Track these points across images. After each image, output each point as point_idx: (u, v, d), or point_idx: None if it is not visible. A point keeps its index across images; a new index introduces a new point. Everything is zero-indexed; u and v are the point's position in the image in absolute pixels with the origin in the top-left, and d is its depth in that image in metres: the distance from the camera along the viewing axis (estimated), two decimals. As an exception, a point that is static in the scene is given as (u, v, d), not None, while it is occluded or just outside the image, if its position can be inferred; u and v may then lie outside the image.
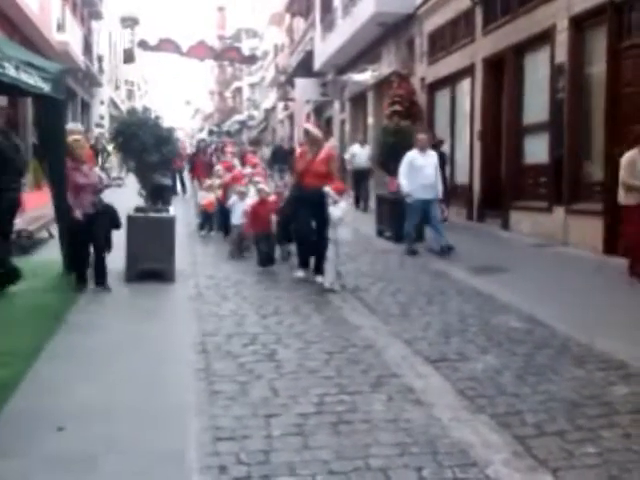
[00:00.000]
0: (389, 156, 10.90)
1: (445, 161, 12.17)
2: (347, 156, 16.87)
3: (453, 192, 12.86)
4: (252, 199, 9.10)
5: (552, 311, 6.26)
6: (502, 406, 4.18)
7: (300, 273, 7.80)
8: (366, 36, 18.42)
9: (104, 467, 3.42)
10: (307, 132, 8.02)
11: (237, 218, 9.39)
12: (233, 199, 9.66)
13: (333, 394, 4.34)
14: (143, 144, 8.83)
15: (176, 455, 3.55)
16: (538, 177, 10.56)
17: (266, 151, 18.72)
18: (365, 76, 19.95)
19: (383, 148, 10.99)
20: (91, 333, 5.65)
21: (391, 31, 17.35)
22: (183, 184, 18.97)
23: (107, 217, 7.15)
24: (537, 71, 10.74)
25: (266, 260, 8.33)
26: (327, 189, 7.20)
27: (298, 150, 8.75)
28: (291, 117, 36.29)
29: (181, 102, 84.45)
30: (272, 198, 8.75)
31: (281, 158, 19.45)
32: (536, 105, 10.73)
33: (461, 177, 13.55)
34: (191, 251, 10.05)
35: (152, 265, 7.46)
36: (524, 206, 10.80)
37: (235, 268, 8.78)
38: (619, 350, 5.15)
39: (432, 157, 9.61)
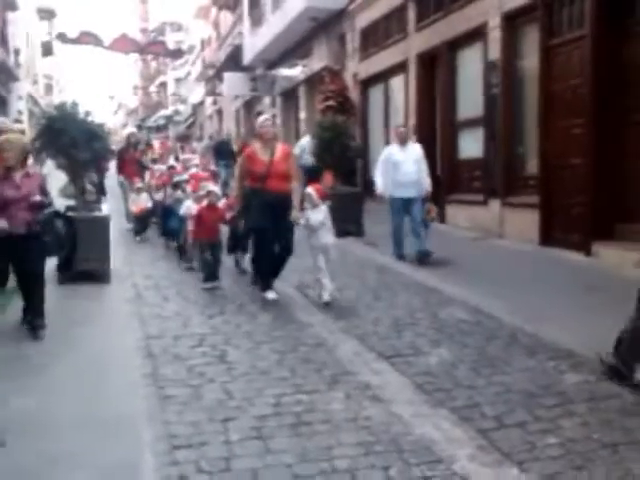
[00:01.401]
0: (325, 151, 10.81)
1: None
2: (296, 151, 13.21)
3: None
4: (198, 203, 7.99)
5: (497, 302, 6.31)
6: (461, 399, 4.16)
7: (271, 295, 6.62)
8: (297, 31, 18.30)
9: (49, 485, 3.19)
10: (262, 127, 6.74)
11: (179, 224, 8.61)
12: (187, 205, 8.14)
13: (289, 394, 4.22)
14: (73, 140, 8.43)
15: (130, 467, 3.35)
16: (473, 171, 10.71)
17: (197, 146, 17.59)
18: (295, 71, 19.83)
19: (320, 143, 10.89)
20: (23, 341, 5.32)
21: (322, 26, 17.28)
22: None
23: (42, 242, 5.40)
24: (470, 67, 10.87)
25: (210, 274, 7.20)
26: (309, 191, 6.48)
27: (246, 149, 7.42)
28: (220, 112, 35.80)
29: (103, 97, 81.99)
30: (222, 203, 7.65)
31: (226, 153, 17.85)
32: (470, 101, 10.87)
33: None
34: (126, 251, 9.69)
35: (86, 266, 7.12)
36: (460, 200, 10.94)
37: (173, 266, 8.50)
38: (565, 339, 5.23)
39: (413, 151, 8.58)
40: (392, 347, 5.14)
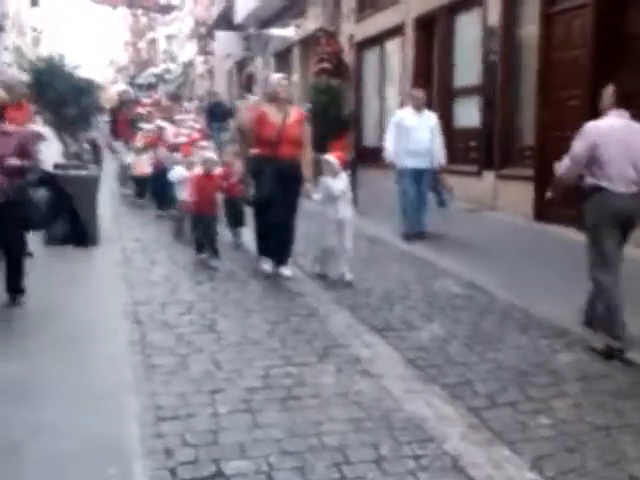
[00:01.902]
0: (320, 115, 10.61)
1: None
2: None
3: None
4: (193, 170, 7.20)
5: (490, 277, 6.24)
6: (452, 376, 4.11)
7: (267, 266, 6.22)
8: (292, -10, 17.86)
9: (30, 455, 3.12)
10: (279, 86, 6.09)
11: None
12: (178, 170, 7.63)
13: (279, 366, 4.14)
14: (60, 95, 8.21)
15: (114, 439, 3.27)
16: (468, 141, 10.54)
17: (189, 107, 16.77)
18: (289, 32, 19.41)
19: (315, 106, 10.67)
20: (4, 306, 5.15)
21: (318, -15, 16.86)
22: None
23: (21, 211, 5.00)
24: (469, 33, 10.63)
25: (203, 248, 6.62)
26: (328, 158, 6.02)
27: (252, 111, 6.97)
28: (211, 72, 35.18)
29: (93, 52, 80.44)
30: (219, 171, 6.93)
31: (221, 115, 16.53)
32: (467, 67, 10.66)
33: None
34: (115, 213, 9.52)
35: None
36: (454, 170, 10.76)
37: (164, 230, 8.35)
38: (559, 316, 5.17)
39: (428, 118, 7.82)
40: (384, 320, 5.07)
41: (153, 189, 9.30)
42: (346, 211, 6.01)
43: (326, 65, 14.00)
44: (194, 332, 4.68)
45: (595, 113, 7.45)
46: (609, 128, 4.43)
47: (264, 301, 5.46)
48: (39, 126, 6.42)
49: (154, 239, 7.82)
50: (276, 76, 6.33)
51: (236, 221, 7.42)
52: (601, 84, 7.10)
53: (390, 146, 7.79)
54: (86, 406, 3.56)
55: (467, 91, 10.73)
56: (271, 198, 5.84)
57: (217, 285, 5.88)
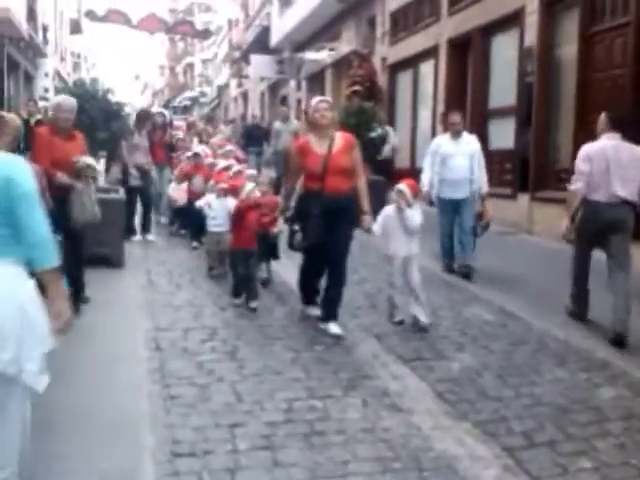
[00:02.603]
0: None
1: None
2: None
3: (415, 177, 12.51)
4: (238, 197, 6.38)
5: (524, 304, 6.01)
6: (485, 412, 3.87)
7: (314, 310, 5.51)
8: (325, 13, 17.91)
9: (42, 491, 2.96)
10: (316, 111, 5.20)
11: (217, 222, 6.87)
12: (208, 199, 7.05)
13: (302, 399, 3.95)
14: (91, 119, 8.23)
15: (127, 475, 3.12)
16: (503, 163, 10.31)
17: (225, 130, 16.28)
18: (322, 55, 19.46)
19: (345, 129, 10.54)
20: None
21: (352, 9, 16.88)
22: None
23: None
24: (504, 53, 10.46)
25: (243, 288, 5.91)
26: (401, 186, 5.33)
27: (296, 141, 6.06)
28: (245, 94, 35.51)
29: (130, 76, 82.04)
30: (266, 200, 6.29)
31: (257, 139, 15.97)
32: (503, 88, 10.47)
33: (422, 161, 13.24)
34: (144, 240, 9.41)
35: (99, 250, 6.89)
36: (489, 192, 10.55)
37: (190, 254, 8.25)
38: (598, 347, 4.92)
39: (468, 144, 7.07)
40: (412, 349, 4.85)
41: (188, 219, 8.78)
42: (415, 246, 5.40)
43: (358, 87, 13.93)
44: (215, 360, 4.51)
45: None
46: (600, 149, 5.17)
47: (288, 328, 5.28)
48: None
49: (179, 263, 7.69)
50: (315, 100, 5.39)
51: (267, 255, 6.60)
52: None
53: (425, 176, 7.22)
54: (100, 438, 3.41)
55: (502, 112, 10.53)
56: (318, 244, 5.13)
57: (241, 311, 5.72)
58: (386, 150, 11.24)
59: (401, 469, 3.23)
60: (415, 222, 5.26)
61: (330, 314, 5.24)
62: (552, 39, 9.23)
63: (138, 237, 8.85)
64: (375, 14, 15.74)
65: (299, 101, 23.77)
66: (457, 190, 7.01)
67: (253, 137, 16.22)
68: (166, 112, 13.01)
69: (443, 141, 7.25)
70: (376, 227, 5.35)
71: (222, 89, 42.17)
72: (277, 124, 14.04)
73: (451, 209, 7.08)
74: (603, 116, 5.33)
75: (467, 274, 6.94)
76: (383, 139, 11.27)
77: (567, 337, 5.15)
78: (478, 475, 3.20)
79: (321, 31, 19.73)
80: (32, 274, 2.58)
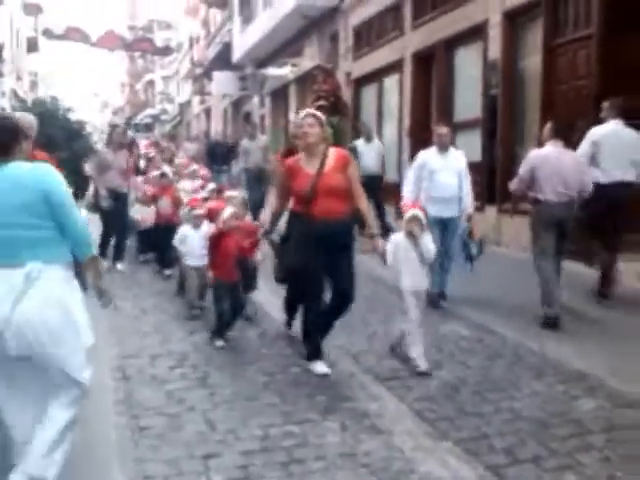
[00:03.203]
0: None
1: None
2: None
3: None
4: (210, 226, 6.02)
5: (497, 317, 5.96)
6: (466, 429, 3.78)
7: (321, 367, 4.69)
8: (287, 29, 17.88)
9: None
10: (299, 126, 4.91)
11: (195, 256, 6.19)
12: (184, 232, 6.31)
13: (279, 425, 3.80)
14: (50, 138, 8.00)
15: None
16: (471, 175, 10.30)
17: (190, 147, 15.84)
18: (285, 71, 19.42)
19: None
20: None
21: (314, 24, 16.88)
22: None
23: None
24: (469, 66, 10.52)
25: (227, 325, 5.32)
26: (415, 212, 4.79)
27: (285, 160, 5.30)
28: (208, 111, 35.30)
29: (89, 94, 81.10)
30: (243, 224, 5.68)
31: (221, 156, 15.37)
32: (468, 101, 10.51)
33: (389, 174, 13.23)
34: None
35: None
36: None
37: (154, 277, 8.03)
38: (573, 359, 4.88)
39: (455, 159, 6.55)
40: (389, 368, 4.74)
41: (156, 243, 8.22)
42: (426, 279, 4.96)
43: (323, 102, 13.87)
44: (185, 388, 4.34)
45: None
46: (545, 155, 5.89)
47: (261, 350, 5.13)
48: None
49: (145, 286, 7.49)
50: (298, 117, 4.90)
51: (247, 285, 5.89)
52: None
53: (409, 192, 6.49)
54: (63, 476, 3.21)
55: (468, 125, 10.56)
56: (301, 268, 4.60)
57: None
58: (369, 165, 10.31)
59: (385, 497, 3.11)
60: (432, 250, 4.77)
61: (318, 351, 4.73)
62: (515, 51, 9.30)
63: (106, 264, 8.02)
64: (338, 29, 15.76)
65: (263, 117, 23.68)
66: (446, 208, 6.42)
67: (217, 155, 15.72)
68: (130, 132, 12.58)
69: (430, 156, 6.60)
70: (390, 259, 4.75)
71: (184, 106, 41.91)
72: (245, 142, 13.67)
73: (438, 228, 6.31)
74: (548, 126, 6.10)
75: (438, 298, 6.48)
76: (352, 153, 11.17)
77: (542, 349, 5.11)
78: (464, 498, 3.10)
79: (283, 47, 19.70)
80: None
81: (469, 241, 6.53)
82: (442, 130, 6.62)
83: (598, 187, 6.05)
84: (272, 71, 20.30)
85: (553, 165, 5.76)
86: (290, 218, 4.85)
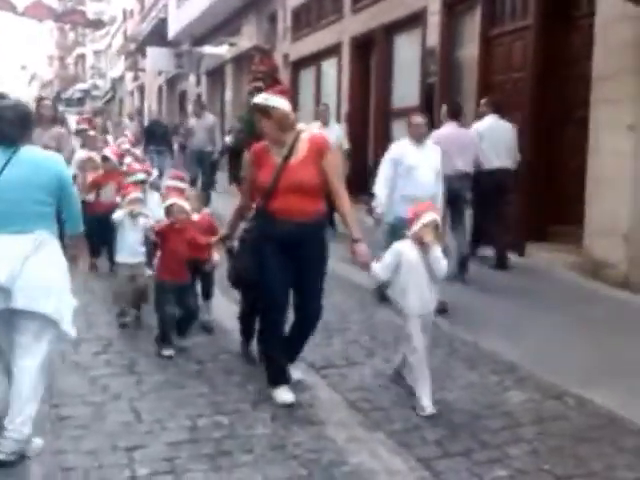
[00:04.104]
0: (254, 135, 10.19)
1: None
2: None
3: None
4: (158, 219, 5.09)
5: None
6: (399, 421, 3.75)
7: (285, 395, 3.92)
8: (225, 7, 17.52)
9: None
10: (266, 108, 3.86)
11: (130, 251, 5.27)
12: (120, 215, 5.25)
13: (207, 415, 3.69)
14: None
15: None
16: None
17: (130, 126, 14.59)
18: (222, 50, 19.06)
19: (247, 126, 10.28)
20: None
21: (253, 3, 16.59)
22: None
23: None
24: (408, 53, 10.51)
25: (173, 329, 4.70)
26: (435, 216, 3.93)
27: (253, 147, 4.13)
28: (141, 88, 34.38)
29: (16, 67, 77.75)
30: (197, 220, 5.02)
31: (160, 137, 14.02)
32: (406, 89, 10.51)
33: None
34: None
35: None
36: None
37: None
38: (505, 350, 4.91)
39: (432, 152, 5.80)
40: (323, 356, 4.67)
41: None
42: (434, 300, 4.06)
43: (260, 84, 13.64)
44: (111, 375, 4.16)
45: (535, 139, 7.50)
46: (445, 133, 6.66)
47: (191, 337, 4.96)
48: None
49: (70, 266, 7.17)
50: (275, 90, 4.10)
51: (205, 291, 5.30)
52: (541, 108, 7.24)
53: (381, 190, 5.72)
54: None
55: (405, 113, 10.52)
56: (255, 279, 3.96)
57: (140, 318, 5.34)
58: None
59: (314, 489, 3.04)
60: (445, 265, 3.94)
61: (290, 358, 4.15)
62: (454, 40, 9.34)
63: None
64: (276, 9, 15.52)
65: (199, 96, 23.21)
66: None
67: (154, 135, 14.37)
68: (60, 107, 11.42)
69: (406, 149, 5.78)
70: (380, 269, 3.95)
71: (117, 82, 40.71)
72: (192, 121, 12.84)
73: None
74: (444, 108, 7.06)
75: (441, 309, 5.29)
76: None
77: (475, 339, 5.13)
78: (396, 491, 3.06)
79: (221, 25, 19.30)
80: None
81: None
82: (418, 120, 5.84)
83: (483, 173, 6.95)
84: (209, 49, 19.89)
85: (451, 141, 6.44)
86: (254, 215, 4.11)
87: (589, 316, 5.67)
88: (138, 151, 9.35)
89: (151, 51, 24.32)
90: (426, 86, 9.70)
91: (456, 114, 6.89)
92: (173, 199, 4.75)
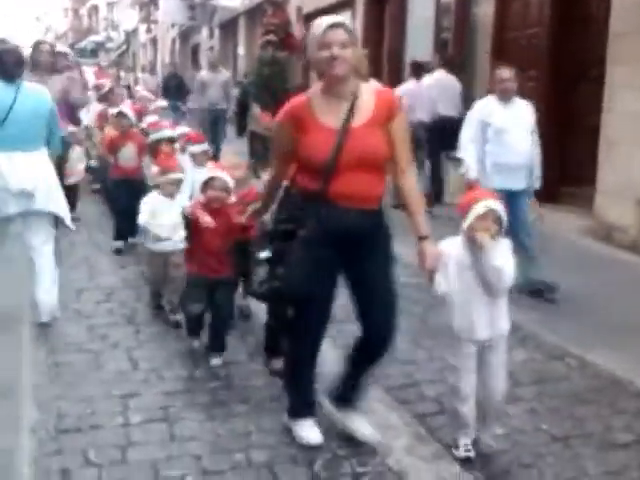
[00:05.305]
0: (264, 88, 10.03)
1: None
2: None
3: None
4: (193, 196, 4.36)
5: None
6: (398, 377, 3.72)
7: (311, 432, 3.03)
8: (240, -43, 17.13)
9: None
10: (324, 42, 2.67)
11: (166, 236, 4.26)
12: (152, 203, 4.26)
13: (204, 366, 3.68)
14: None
15: (3, 456, 2.76)
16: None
17: (150, 80, 13.60)
18: (235, 2, 18.72)
19: (257, 79, 10.11)
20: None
21: (267, -46, 16.16)
22: None
23: None
24: (422, 8, 10.25)
25: (199, 330, 3.91)
26: (492, 205, 2.82)
27: (289, 103, 2.90)
28: (154, 41, 33.99)
29: (30, 19, 77.01)
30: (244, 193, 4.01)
31: (177, 91, 12.97)
32: (420, 43, 10.28)
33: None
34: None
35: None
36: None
37: (90, 208, 7.65)
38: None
39: (522, 112, 5.03)
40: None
41: (116, 206, 6.20)
42: (504, 318, 2.98)
43: (272, 37, 13.40)
44: (111, 324, 4.17)
45: (549, 97, 7.33)
46: (408, 88, 8.22)
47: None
48: None
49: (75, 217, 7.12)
50: (319, 25, 2.71)
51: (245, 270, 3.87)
52: (556, 66, 7.03)
53: (470, 156, 5.00)
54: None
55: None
56: (306, 294, 2.86)
57: (142, 269, 5.31)
58: None
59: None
60: (508, 275, 2.80)
61: (308, 405, 3.11)
62: (470, -4, 9.08)
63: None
64: (291, -39, 15.14)
65: (211, 49, 22.91)
66: (515, 178, 4.95)
67: (169, 89, 13.42)
68: (70, 52, 9.72)
69: (493, 108, 5.01)
70: (443, 281, 2.92)
71: (130, 35, 40.23)
72: (203, 73, 11.62)
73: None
74: (408, 64, 8.69)
75: (549, 290, 5.07)
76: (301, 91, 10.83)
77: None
78: (389, 445, 3.04)
79: (235, -23, 18.93)
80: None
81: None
82: (505, 73, 4.96)
83: (436, 120, 7.96)
84: (222, 1, 19.54)
85: (415, 95, 7.94)
86: (291, 200, 2.97)
87: (595, 279, 5.60)
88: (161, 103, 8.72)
89: (164, 3, 23.96)
90: (440, 41, 9.48)
91: (417, 72, 8.40)
92: (215, 171, 3.83)
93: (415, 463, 2.94)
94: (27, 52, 6.63)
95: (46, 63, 6.04)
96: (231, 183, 3.72)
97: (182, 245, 4.00)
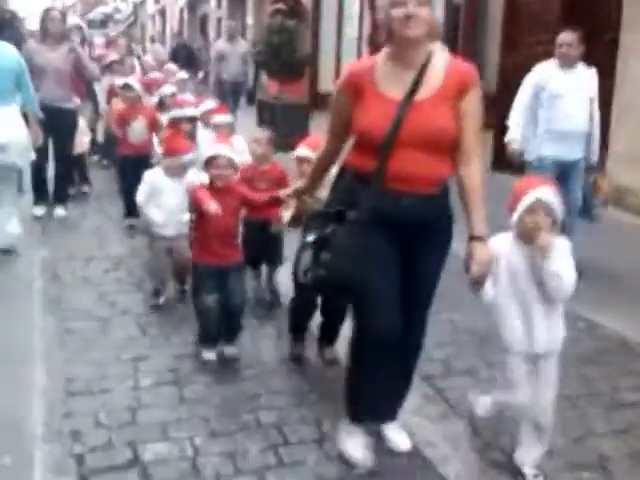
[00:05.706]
0: (273, 56, 9.97)
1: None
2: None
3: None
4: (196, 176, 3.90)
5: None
6: (406, 338, 3.72)
7: (359, 451, 2.62)
8: None
9: None
10: (397, 6, 2.31)
11: (169, 220, 3.93)
12: (155, 182, 3.96)
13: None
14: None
15: (14, 418, 2.82)
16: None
17: (161, 51, 13.47)
18: (244, -30, 18.45)
19: (266, 47, 10.03)
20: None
21: None
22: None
23: None
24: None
25: (214, 335, 3.40)
26: (544, 194, 2.43)
27: (348, 68, 2.74)
28: (163, 12, 33.71)
29: (39, -10, 76.50)
30: (265, 169, 3.93)
31: (186, 61, 12.52)
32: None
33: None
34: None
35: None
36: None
37: (98, 177, 7.66)
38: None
39: (584, 79, 4.74)
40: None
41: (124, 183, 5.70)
42: (559, 327, 2.56)
43: (281, 5, 13.26)
44: (119, 291, 4.19)
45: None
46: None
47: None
48: None
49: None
50: None
51: (271, 259, 4.08)
52: (570, 27, 6.89)
53: (517, 123, 4.79)
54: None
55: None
56: (364, 281, 2.51)
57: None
58: None
59: (315, 402, 3.06)
60: (568, 280, 2.40)
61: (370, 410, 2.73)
62: (481, -42, 8.90)
63: (40, 211, 5.90)
64: None
65: (219, 20, 22.68)
66: (569, 147, 4.70)
67: (178, 60, 12.82)
68: (84, 25, 9.17)
69: (552, 73, 4.74)
70: (490, 287, 2.61)
71: (138, 6, 39.94)
72: (220, 43, 11.16)
73: (554, 175, 4.47)
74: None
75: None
76: (309, 59, 10.67)
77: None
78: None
79: (243, -56, 18.65)
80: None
81: (590, 195, 4.93)
82: (567, 37, 4.70)
83: None
84: (230, -30, 19.28)
85: None
86: (345, 178, 2.62)
87: (605, 242, 5.55)
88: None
89: (172, -28, 23.68)
90: (452, 7, 9.33)
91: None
92: (217, 148, 3.44)
93: (423, 423, 2.96)
94: (36, 22, 6.57)
95: (56, 31, 5.76)
96: (236, 159, 3.38)
97: (186, 229, 3.77)
